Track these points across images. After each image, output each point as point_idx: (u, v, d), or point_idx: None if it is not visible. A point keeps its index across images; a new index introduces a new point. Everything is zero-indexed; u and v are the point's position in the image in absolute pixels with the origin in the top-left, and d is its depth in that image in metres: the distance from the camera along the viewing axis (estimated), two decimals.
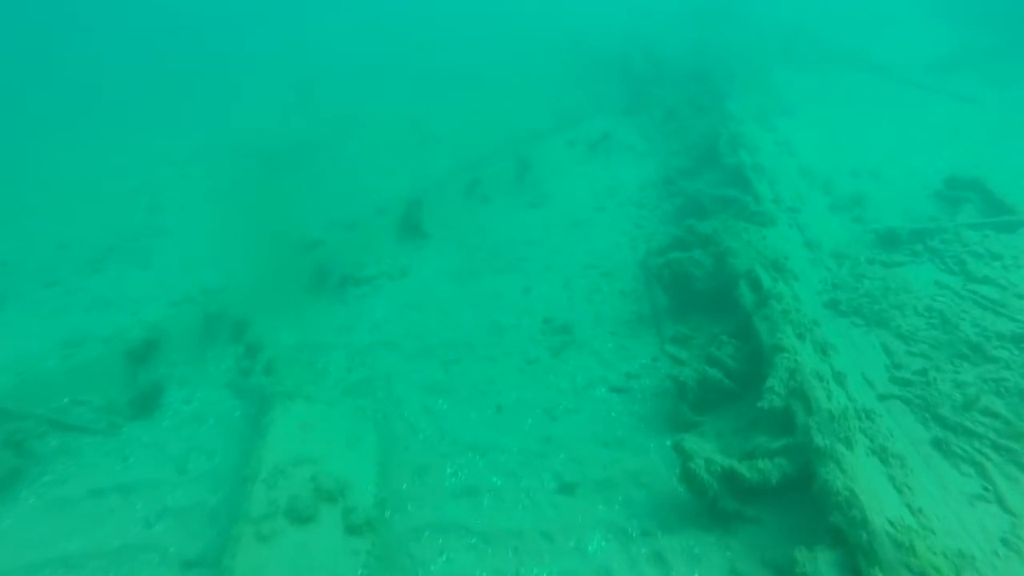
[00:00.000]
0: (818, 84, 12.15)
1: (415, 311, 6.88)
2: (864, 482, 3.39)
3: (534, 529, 4.11)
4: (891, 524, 3.13)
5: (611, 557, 3.79)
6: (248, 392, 5.89)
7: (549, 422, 5.04)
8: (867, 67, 13.09)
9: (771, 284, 5.02)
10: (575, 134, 11.08)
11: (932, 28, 15.19)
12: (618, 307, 6.32)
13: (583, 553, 3.86)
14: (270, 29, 24.93)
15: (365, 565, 3.82)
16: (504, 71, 15.09)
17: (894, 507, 3.33)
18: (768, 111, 10.60)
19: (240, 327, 6.78)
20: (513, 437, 4.93)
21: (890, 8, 17.40)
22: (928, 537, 3.14)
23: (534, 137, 11.11)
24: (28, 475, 5.02)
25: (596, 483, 4.39)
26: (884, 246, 6.16)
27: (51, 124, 16.14)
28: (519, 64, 15.82)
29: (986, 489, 3.58)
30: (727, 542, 3.74)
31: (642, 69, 13.06)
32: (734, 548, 3.62)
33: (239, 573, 3.55)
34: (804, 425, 3.80)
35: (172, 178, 11.84)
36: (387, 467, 4.77)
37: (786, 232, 6.47)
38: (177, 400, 5.93)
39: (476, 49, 18.24)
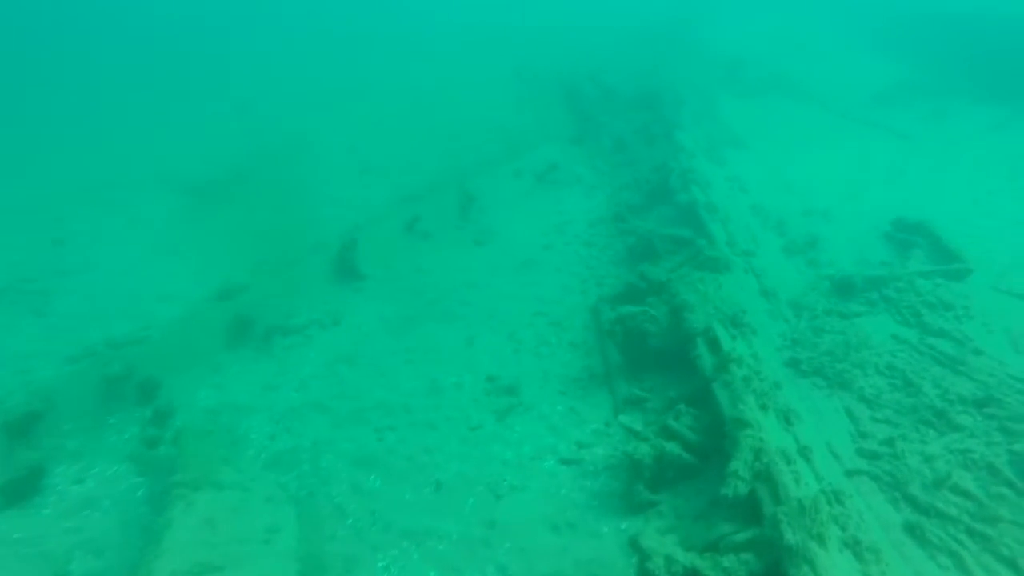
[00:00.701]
0: (764, 114, 12.27)
1: (348, 366, 6.33)
2: None
3: None
4: None
5: None
6: (155, 466, 5.22)
7: (493, 501, 4.58)
8: (809, 97, 13.36)
9: (730, 345, 4.73)
10: (522, 163, 10.77)
11: (868, 61, 15.72)
12: (568, 362, 5.94)
13: None
14: (211, 48, 23.81)
15: None
16: (450, 94, 14.71)
17: None
18: (717, 142, 10.57)
19: (149, 388, 6.08)
20: (453, 521, 4.45)
21: (829, 40, 18.00)
22: None
23: (480, 166, 10.75)
24: None
25: None
26: (840, 294, 6.02)
27: None
28: (466, 87, 15.49)
29: None
30: None
31: (591, 95, 12.92)
32: None
33: None
34: (772, 517, 3.47)
35: (85, 208, 10.84)
36: (309, 563, 4.21)
37: (742, 279, 6.26)
38: (65, 480, 5.19)
39: (421, 70, 17.83)
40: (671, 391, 5.03)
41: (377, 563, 4.20)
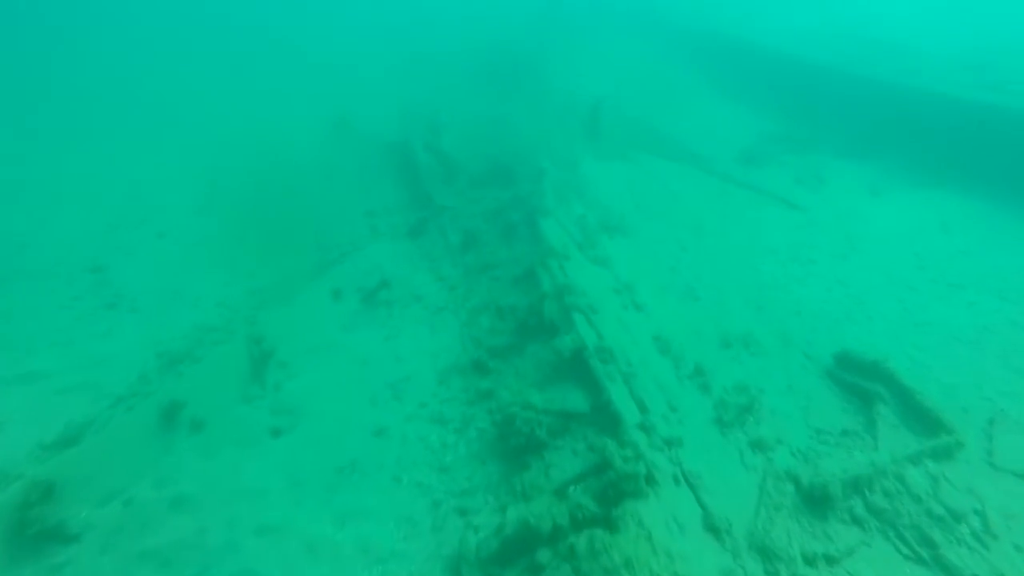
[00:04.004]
0: (637, 181, 11.01)
1: None
2: None
3: None
4: None
5: None
6: None
7: None
8: (682, 155, 12.41)
9: None
10: (342, 275, 8.46)
11: (728, 110, 15.37)
12: None
13: None
14: None
15: None
16: (240, 170, 11.95)
17: None
18: (591, 227, 8.98)
19: None
20: None
21: (676, 80, 17.71)
22: None
23: (282, 284, 8.24)
24: None
25: None
26: (814, 509, 4.38)
27: None
28: (263, 154, 12.81)
29: None
30: None
31: (428, 167, 10.91)
32: None
33: None
34: None
35: None
36: None
37: (674, 502, 4.44)
38: None
39: (188, 126, 14.81)
40: None
41: None
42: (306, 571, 4.65)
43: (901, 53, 14.99)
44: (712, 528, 4.28)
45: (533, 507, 4.34)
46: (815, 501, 4.41)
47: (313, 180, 11.47)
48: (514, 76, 17.80)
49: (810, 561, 4.04)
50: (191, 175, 12.07)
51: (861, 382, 5.51)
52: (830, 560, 4.05)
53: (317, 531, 4.96)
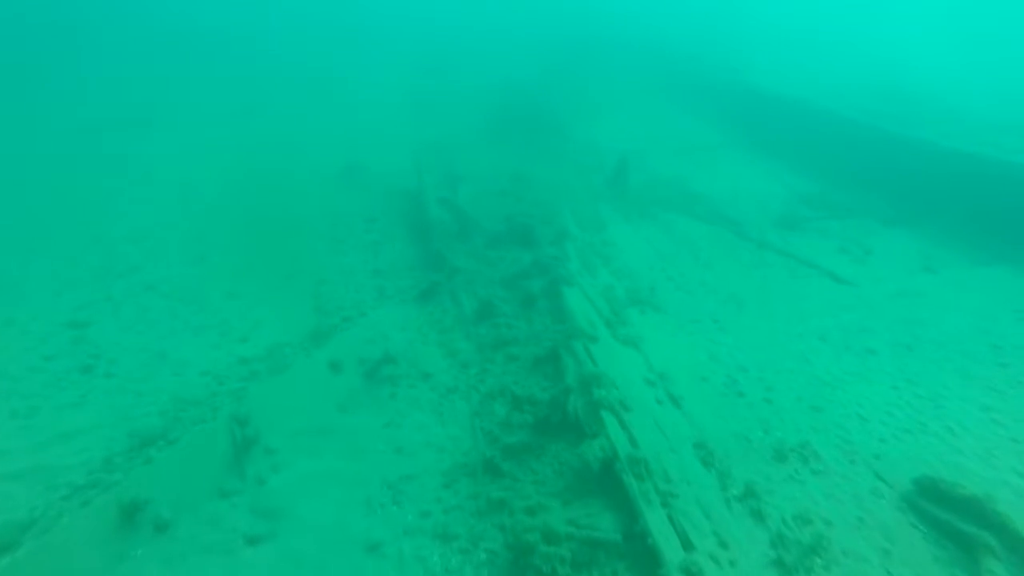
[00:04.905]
0: (667, 246, 10.32)
1: None
2: None
3: None
4: None
5: None
6: None
7: None
8: (709, 214, 11.74)
9: None
10: (343, 344, 7.72)
11: (761, 168, 14.73)
12: None
13: None
14: None
15: None
16: (240, 216, 11.37)
17: None
18: (619, 300, 8.26)
19: None
20: None
21: (710, 138, 17.17)
22: None
23: (274, 354, 7.51)
24: None
25: None
26: None
27: None
28: (266, 198, 12.27)
29: None
30: None
31: (442, 224, 10.27)
32: None
33: None
34: None
35: None
36: None
37: None
38: None
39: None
40: None
41: None
42: None
43: (941, 112, 14.36)
44: None
45: None
46: None
47: (317, 231, 10.87)
48: (533, 124, 17.33)
49: None
50: (189, 219, 11.51)
51: (955, 522, 4.63)
52: None
53: None
